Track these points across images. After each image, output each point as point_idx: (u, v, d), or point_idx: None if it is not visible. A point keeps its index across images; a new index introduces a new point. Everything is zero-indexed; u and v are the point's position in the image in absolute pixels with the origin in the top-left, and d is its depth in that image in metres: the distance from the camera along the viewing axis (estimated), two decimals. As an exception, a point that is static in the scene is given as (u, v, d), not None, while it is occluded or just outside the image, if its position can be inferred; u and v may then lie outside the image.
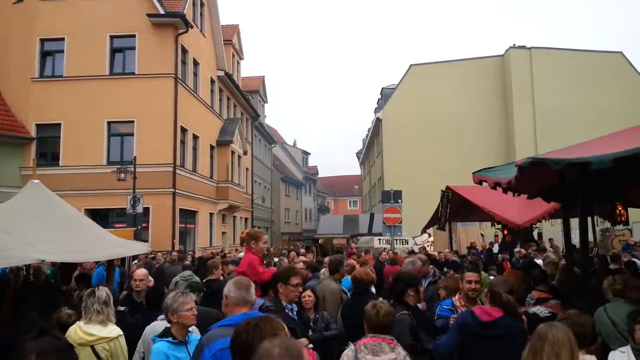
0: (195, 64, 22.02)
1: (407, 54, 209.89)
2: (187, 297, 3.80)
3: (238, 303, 2.99)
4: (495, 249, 15.89)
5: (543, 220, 11.75)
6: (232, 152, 25.80)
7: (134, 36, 19.13)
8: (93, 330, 3.90)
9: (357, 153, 56.64)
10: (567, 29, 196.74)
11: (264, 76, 40.56)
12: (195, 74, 22.04)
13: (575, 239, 6.69)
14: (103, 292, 4.09)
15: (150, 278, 8.60)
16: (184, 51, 20.44)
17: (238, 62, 31.54)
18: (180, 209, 19.43)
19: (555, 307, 4.69)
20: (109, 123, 18.82)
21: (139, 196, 15.73)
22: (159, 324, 4.08)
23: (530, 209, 10.22)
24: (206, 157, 23.32)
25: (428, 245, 19.00)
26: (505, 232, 15.07)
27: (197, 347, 2.89)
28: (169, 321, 3.74)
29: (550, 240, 17.13)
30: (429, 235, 19.45)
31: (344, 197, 71.32)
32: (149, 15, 18.77)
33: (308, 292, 4.99)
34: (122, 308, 5.24)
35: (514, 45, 32.15)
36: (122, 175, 15.85)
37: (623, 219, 8.67)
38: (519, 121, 30.33)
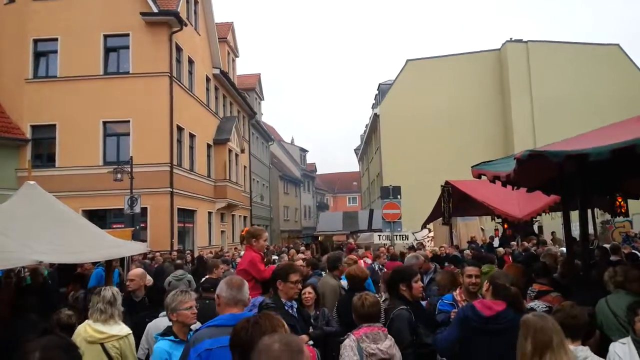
0: (190, 62, 21.95)
1: (404, 49, 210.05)
2: (186, 295, 3.78)
3: (229, 303, 2.93)
4: (496, 243, 15.89)
5: (543, 214, 11.73)
6: (230, 151, 25.74)
7: (127, 35, 19.04)
8: (103, 328, 3.91)
9: (355, 149, 56.62)
10: (564, 22, 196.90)
11: (259, 74, 40.55)
12: (190, 73, 21.97)
13: (576, 231, 6.67)
14: (109, 292, 4.10)
15: (149, 278, 8.61)
16: (179, 49, 20.36)
17: (233, 60, 31.46)
18: (179, 209, 19.39)
19: (556, 299, 4.67)
20: (104, 123, 18.76)
21: (137, 196, 15.69)
22: (161, 321, 4.11)
23: (530, 202, 10.20)
24: (203, 155, 23.26)
25: (428, 241, 19.00)
26: (506, 226, 15.09)
27: (185, 347, 2.86)
28: (171, 320, 3.74)
29: (553, 233, 17.14)
30: (429, 231, 19.44)
31: (343, 194, 71.34)
32: (142, 13, 18.69)
33: (308, 289, 4.97)
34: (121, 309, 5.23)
35: (511, 39, 32.12)
36: (119, 175, 15.81)
37: (623, 210, 8.65)
38: (516, 114, 30.33)
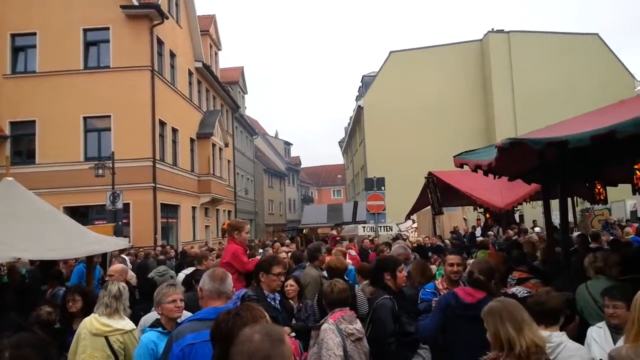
0: (172, 55, 21.69)
1: (387, 41, 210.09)
2: (170, 289, 3.78)
3: (212, 295, 2.92)
4: (478, 232, 16.06)
5: (524, 203, 11.87)
6: (213, 145, 25.56)
7: (107, 29, 18.73)
8: (108, 322, 3.98)
9: (339, 142, 56.64)
10: (544, 9, 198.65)
11: (243, 67, 40.25)
12: (172, 66, 21.72)
13: (556, 219, 6.76)
14: (115, 286, 4.16)
15: (132, 274, 8.52)
16: (160, 43, 20.10)
17: (216, 53, 31.17)
18: (162, 204, 19.22)
19: (535, 286, 4.73)
20: (84, 118, 18.48)
21: (119, 192, 15.52)
22: (154, 314, 4.12)
23: (511, 192, 10.31)
24: (186, 150, 23.06)
25: (412, 231, 19.13)
26: (488, 215, 15.24)
27: (167, 342, 2.83)
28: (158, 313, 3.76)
29: (534, 222, 17.35)
30: (413, 222, 19.57)
31: (328, 187, 71.40)
32: (122, 7, 18.38)
33: (290, 282, 4.97)
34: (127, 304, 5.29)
35: (493, 29, 32.32)
36: (101, 171, 15.62)
37: (602, 197, 8.78)
38: (498, 104, 30.58)
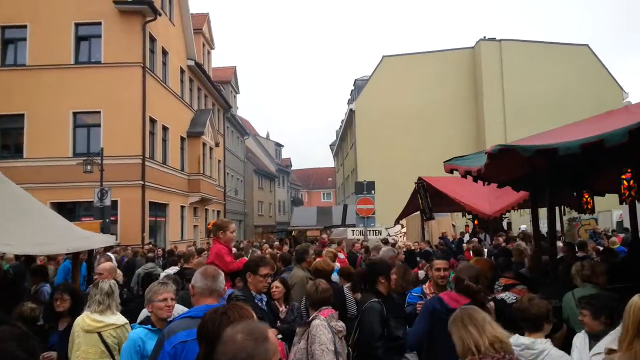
0: (164, 53, 21.58)
1: (380, 45, 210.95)
2: (162, 287, 3.71)
3: (203, 293, 2.92)
4: (466, 238, 16.13)
5: (512, 210, 11.96)
6: (204, 144, 25.45)
7: (99, 24, 18.58)
8: (100, 318, 4.04)
9: (330, 145, 56.67)
10: (536, 19, 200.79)
11: (235, 66, 40.18)
12: (164, 63, 21.60)
13: (544, 228, 6.80)
14: (106, 284, 4.22)
15: (119, 272, 8.45)
16: (152, 40, 19.99)
17: (209, 52, 31.08)
18: (150, 202, 19.08)
19: (522, 292, 4.76)
20: (74, 114, 18.31)
21: (107, 189, 15.38)
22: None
23: (500, 199, 10.40)
24: (177, 148, 22.93)
25: (401, 236, 19.17)
26: (476, 222, 15.32)
27: (158, 339, 2.81)
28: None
29: (522, 230, 17.48)
30: (402, 227, 19.61)
31: (318, 189, 71.42)
32: (115, 2, 18.29)
33: (276, 283, 4.95)
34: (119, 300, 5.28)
35: (484, 37, 32.63)
36: (89, 167, 15.48)
37: (589, 207, 8.83)
38: (489, 112, 30.84)
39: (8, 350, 1.68)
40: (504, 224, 16.85)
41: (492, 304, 4.71)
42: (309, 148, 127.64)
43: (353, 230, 15.39)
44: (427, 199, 13.06)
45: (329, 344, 3.52)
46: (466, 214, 14.42)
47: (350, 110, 34.61)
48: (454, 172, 5.64)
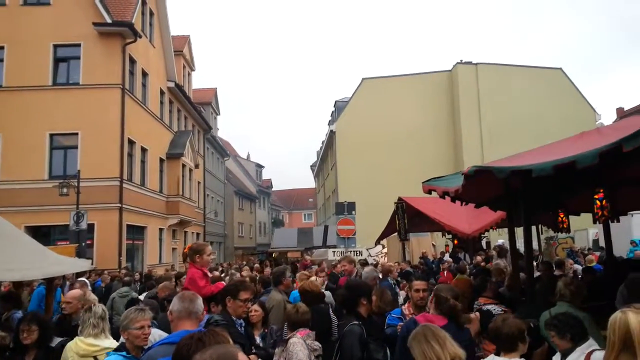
0: (144, 74, 21.52)
1: (360, 67, 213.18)
2: (139, 314, 3.58)
3: (181, 316, 2.88)
4: (446, 258, 16.21)
5: (490, 230, 12.08)
6: (183, 166, 25.27)
7: (79, 45, 18.52)
8: (95, 342, 4.00)
9: (311, 166, 56.78)
10: (512, 43, 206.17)
11: (216, 88, 40.21)
12: (144, 85, 21.53)
13: (521, 247, 6.88)
14: (99, 308, 4.23)
15: (94, 296, 8.23)
16: (132, 61, 19.94)
17: (189, 74, 31.09)
18: (128, 225, 18.78)
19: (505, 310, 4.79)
20: (51, 135, 18.05)
21: (83, 212, 15.12)
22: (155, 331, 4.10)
23: (478, 218, 10.50)
24: (156, 170, 22.72)
25: (382, 256, 19.14)
26: (456, 242, 15.42)
27: None
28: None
29: (496, 247, 17.59)
30: (383, 247, 19.61)
31: (299, 210, 71.24)
32: (95, 24, 18.24)
33: (255, 307, 4.87)
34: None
35: (461, 60, 33.34)
36: (65, 190, 15.23)
37: (564, 226, 8.99)
38: (466, 134, 31.37)
39: None
40: (483, 243, 17.00)
41: (477, 314, 4.72)
42: (289, 169, 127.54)
43: (334, 251, 15.37)
44: (404, 220, 13.13)
45: None
46: (446, 233, 14.51)
47: (331, 131, 34.83)
48: (432, 192, 5.70)
